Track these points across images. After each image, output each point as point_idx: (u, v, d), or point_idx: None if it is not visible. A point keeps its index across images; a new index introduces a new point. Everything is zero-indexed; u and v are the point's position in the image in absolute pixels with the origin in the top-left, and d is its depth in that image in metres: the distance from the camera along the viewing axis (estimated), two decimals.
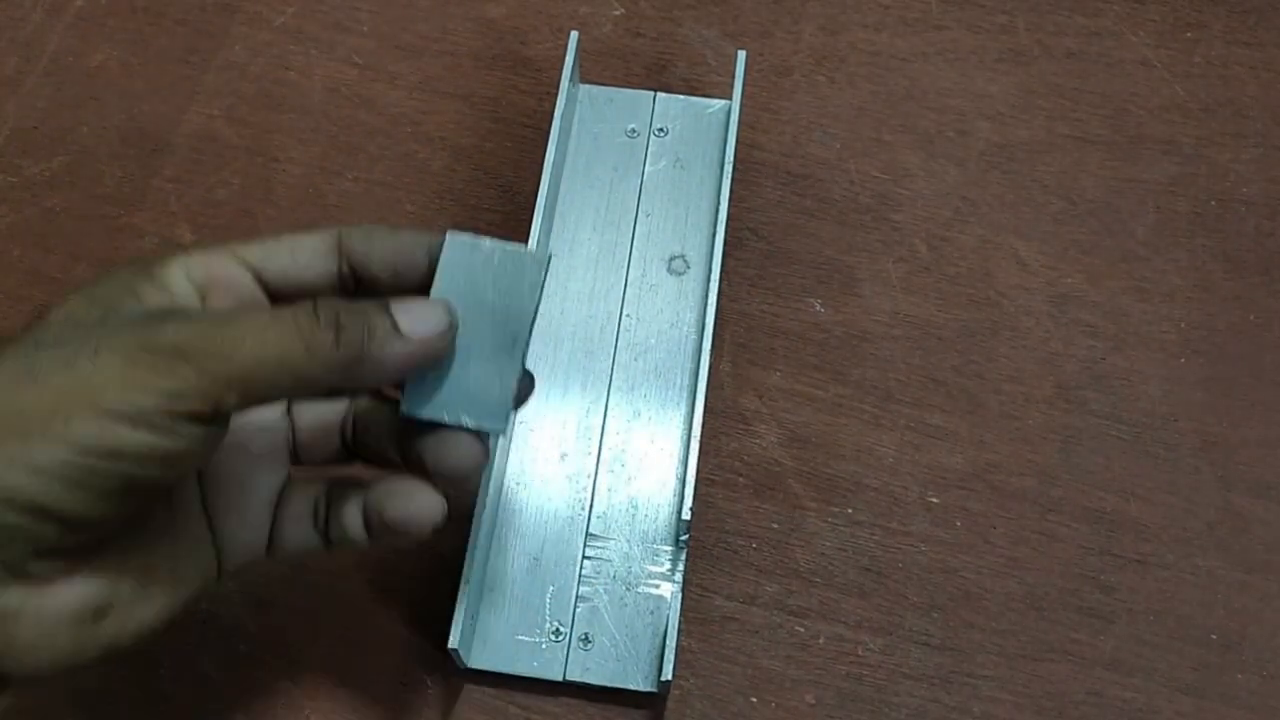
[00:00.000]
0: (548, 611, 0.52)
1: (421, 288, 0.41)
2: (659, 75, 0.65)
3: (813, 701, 0.52)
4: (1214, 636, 0.53)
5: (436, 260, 0.41)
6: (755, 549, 0.55)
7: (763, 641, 0.53)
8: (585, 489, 0.54)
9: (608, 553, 0.53)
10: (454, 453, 0.42)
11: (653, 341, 0.57)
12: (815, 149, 0.64)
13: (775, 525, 0.55)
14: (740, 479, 0.56)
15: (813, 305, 0.60)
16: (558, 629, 0.51)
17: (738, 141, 0.58)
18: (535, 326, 0.42)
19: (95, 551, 0.37)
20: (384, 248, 0.41)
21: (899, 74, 0.66)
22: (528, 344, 0.42)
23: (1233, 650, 0.53)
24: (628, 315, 0.57)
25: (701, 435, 0.51)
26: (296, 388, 0.38)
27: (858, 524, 0.55)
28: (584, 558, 0.53)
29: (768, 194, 0.62)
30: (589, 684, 0.51)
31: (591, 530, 0.53)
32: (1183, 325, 0.59)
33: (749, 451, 0.56)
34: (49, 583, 0.36)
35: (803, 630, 0.53)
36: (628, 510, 0.53)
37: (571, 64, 0.59)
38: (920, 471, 0.56)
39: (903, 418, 0.57)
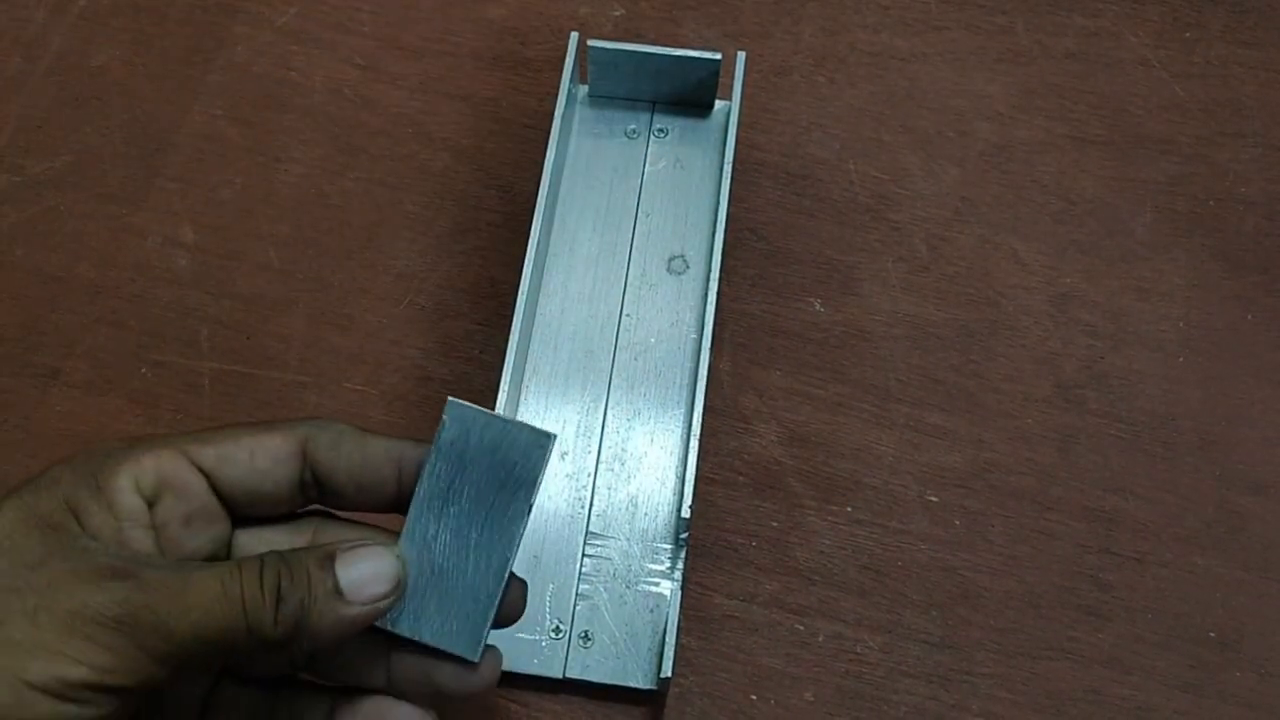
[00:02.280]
0: (548, 609, 0.52)
1: (389, 503, 0.40)
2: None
3: (812, 699, 0.52)
4: (1212, 634, 0.53)
5: (406, 476, 0.39)
6: (755, 547, 0.55)
7: (762, 639, 0.53)
8: (585, 487, 0.54)
9: (608, 551, 0.53)
10: (438, 681, 0.40)
11: (652, 341, 0.57)
12: (815, 149, 0.64)
13: (775, 524, 0.55)
14: (740, 478, 0.56)
15: (812, 305, 0.60)
16: (558, 627, 0.51)
17: (737, 142, 0.58)
18: (530, 516, 0.40)
19: None
20: (350, 461, 0.39)
21: (898, 74, 0.66)
22: (520, 540, 0.39)
23: (1230, 648, 0.53)
24: (628, 315, 0.57)
25: (701, 434, 0.51)
26: (229, 660, 0.36)
27: (857, 522, 0.55)
28: (584, 556, 0.53)
29: (767, 194, 0.63)
30: (589, 681, 0.51)
31: (591, 529, 0.53)
32: (1181, 325, 0.60)
33: (749, 450, 0.57)
34: None
35: (802, 628, 0.53)
36: (627, 509, 0.54)
37: (572, 65, 0.59)
38: (919, 470, 0.56)
39: (902, 417, 0.57)
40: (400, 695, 0.40)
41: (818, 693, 0.52)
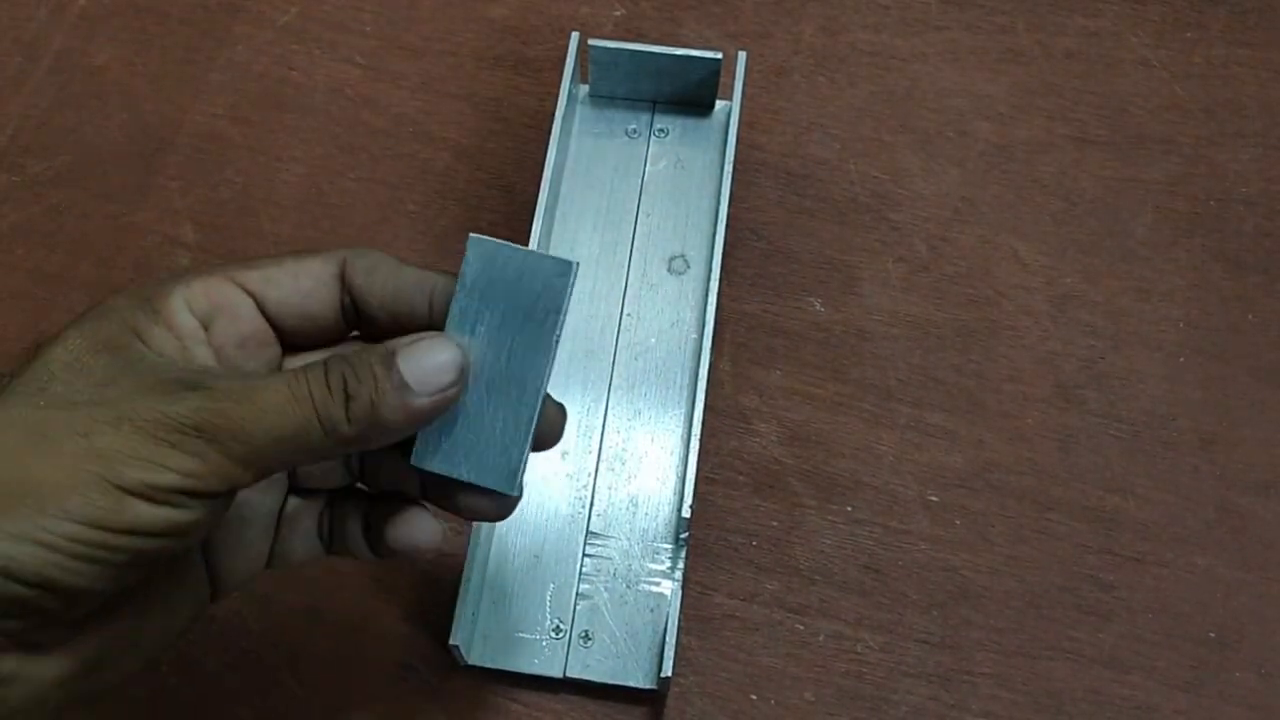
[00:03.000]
0: (548, 609, 0.52)
1: (420, 329, 0.40)
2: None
3: (812, 699, 0.52)
4: (1212, 634, 0.53)
5: (437, 306, 0.39)
6: (755, 547, 0.55)
7: (762, 639, 0.53)
8: (586, 487, 0.54)
9: (608, 550, 0.53)
10: (469, 508, 0.40)
11: (653, 341, 0.57)
12: (815, 149, 0.64)
13: (775, 523, 0.55)
14: (740, 477, 0.56)
15: (813, 304, 0.60)
16: (558, 626, 0.51)
17: (738, 142, 0.58)
18: (559, 347, 0.39)
19: (94, 616, 0.36)
20: (384, 287, 0.39)
21: (899, 74, 0.66)
22: (550, 370, 0.39)
23: (1230, 648, 0.53)
24: (628, 315, 0.57)
25: (702, 434, 0.51)
26: (307, 460, 0.37)
27: (857, 522, 0.55)
28: (584, 555, 0.53)
29: (768, 194, 0.63)
30: (589, 681, 0.51)
31: (592, 528, 0.53)
32: (1181, 325, 0.60)
33: (749, 450, 0.57)
34: (45, 650, 0.35)
35: (802, 628, 0.53)
36: (628, 508, 0.54)
37: (572, 64, 0.59)
38: (920, 470, 0.56)
39: (902, 416, 0.57)
40: (433, 504, 0.42)
41: (818, 692, 0.52)
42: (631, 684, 0.51)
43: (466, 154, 0.64)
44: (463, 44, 0.67)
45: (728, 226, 0.57)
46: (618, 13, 0.67)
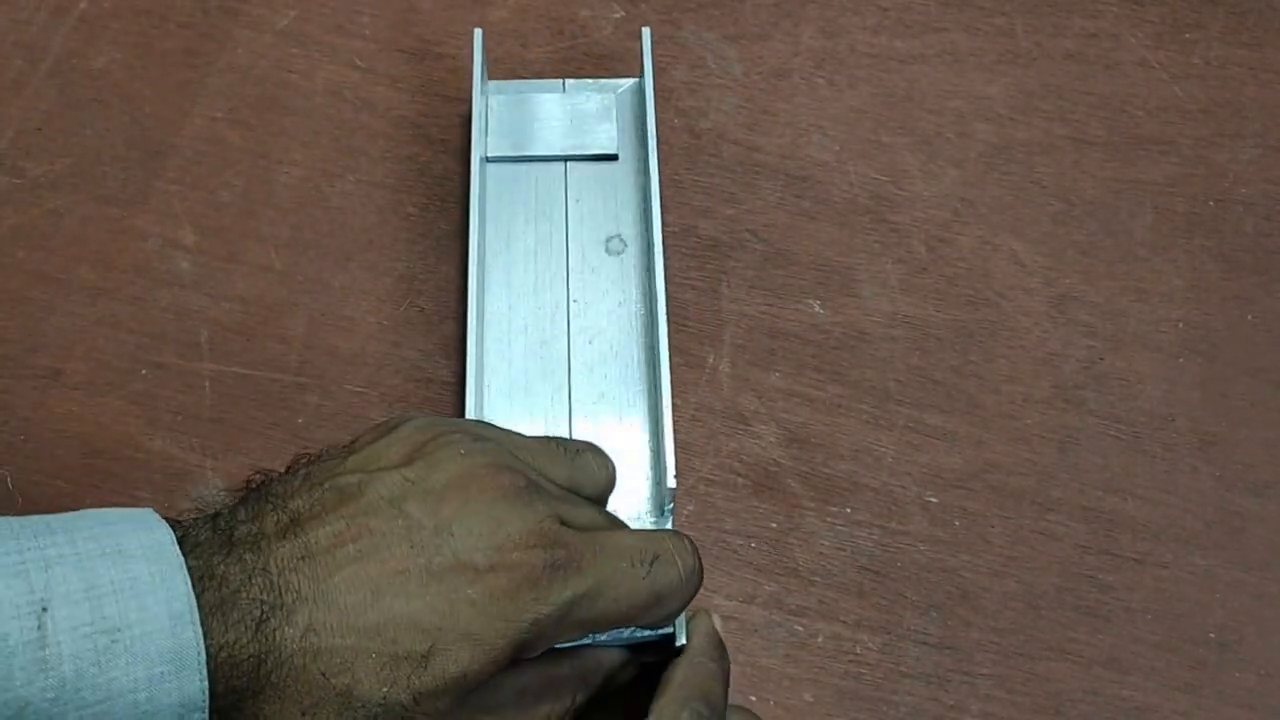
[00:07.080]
0: None
1: None
2: (659, 77, 0.65)
3: (811, 700, 0.52)
4: (1211, 635, 0.53)
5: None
6: (754, 548, 0.55)
7: (761, 640, 0.53)
8: None
9: None
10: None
11: (603, 323, 0.57)
12: (814, 151, 0.64)
13: (774, 525, 0.55)
14: (739, 479, 0.56)
15: (812, 306, 0.60)
16: None
17: (656, 114, 0.58)
18: None
19: None
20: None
21: (898, 76, 0.66)
22: None
23: (1230, 649, 0.53)
24: (575, 301, 0.57)
25: (673, 403, 0.51)
26: None
27: (856, 523, 0.55)
28: None
29: (767, 196, 0.63)
30: None
31: None
32: (1181, 325, 0.60)
33: (748, 451, 0.57)
34: None
35: (801, 629, 0.53)
36: None
37: (480, 63, 0.59)
38: (918, 471, 0.56)
39: (901, 418, 0.57)
40: None
41: (817, 694, 0.52)
42: None
43: (466, 157, 0.64)
44: (462, 47, 0.67)
45: (662, 203, 0.57)
46: (617, 14, 0.68)
